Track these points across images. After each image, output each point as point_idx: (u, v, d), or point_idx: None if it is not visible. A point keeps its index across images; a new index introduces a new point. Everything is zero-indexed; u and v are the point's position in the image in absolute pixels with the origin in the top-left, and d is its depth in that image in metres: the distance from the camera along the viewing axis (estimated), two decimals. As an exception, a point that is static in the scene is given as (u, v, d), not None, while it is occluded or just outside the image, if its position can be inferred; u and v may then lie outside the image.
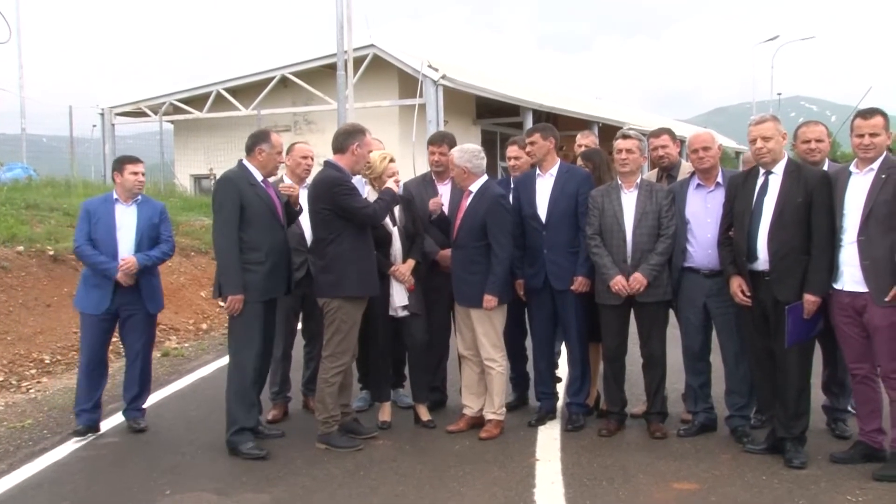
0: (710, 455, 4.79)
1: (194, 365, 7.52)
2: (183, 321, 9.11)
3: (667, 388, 5.31)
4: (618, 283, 4.98)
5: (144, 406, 5.62)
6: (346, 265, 4.90)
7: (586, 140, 6.38)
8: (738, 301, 4.74)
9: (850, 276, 4.41)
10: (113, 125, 22.76)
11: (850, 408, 5.12)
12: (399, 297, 5.33)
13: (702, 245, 4.98)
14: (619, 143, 5.14)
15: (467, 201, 5.24)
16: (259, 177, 5.04)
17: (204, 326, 9.19)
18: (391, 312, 5.34)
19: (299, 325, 5.89)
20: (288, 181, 5.65)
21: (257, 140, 5.09)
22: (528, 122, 20.40)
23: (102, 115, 22.74)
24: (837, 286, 4.48)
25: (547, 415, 5.49)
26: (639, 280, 4.97)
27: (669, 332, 5.24)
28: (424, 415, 5.48)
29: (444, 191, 5.71)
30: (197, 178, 21.92)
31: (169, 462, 4.87)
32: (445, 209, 5.54)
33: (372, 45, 18.71)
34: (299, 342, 5.91)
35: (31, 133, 23.16)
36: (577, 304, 5.30)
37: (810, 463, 4.56)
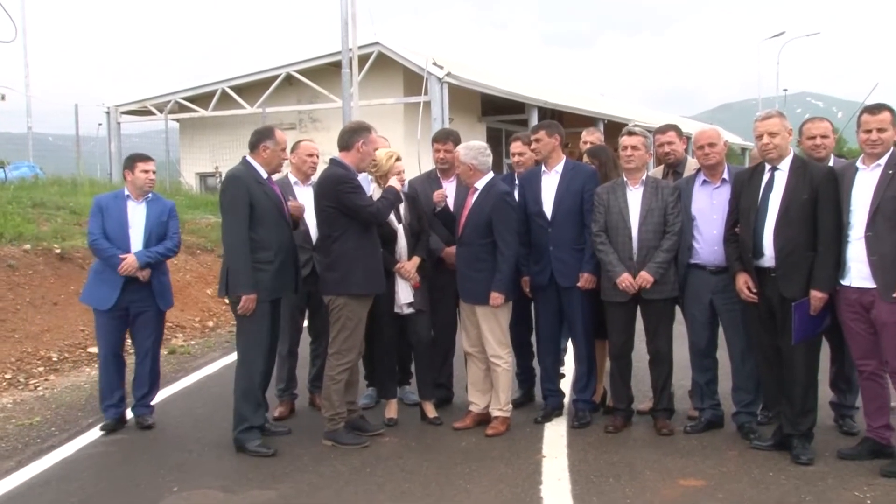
0: (717, 452, 4.78)
1: (201, 362, 7.54)
2: (189, 319, 9.13)
3: (673, 385, 5.31)
4: (625, 280, 4.98)
5: (153, 403, 5.65)
6: (351, 263, 4.91)
7: (591, 137, 6.37)
8: (744, 298, 4.73)
9: (858, 273, 4.39)
10: (119, 124, 22.84)
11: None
12: (404, 294, 5.33)
13: (708, 242, 4.97)
14: (625, 140, 5.12)
15: (473, 198, 5.24)
16: (264, 174, 5.02)
17: (210, 324, 9.22)
18: (396, 310, 5.35)
19: (305, 323, 5.90)
20: (292, 178, 5.66)
21: (262, 137, 5.06)
22: (534, 119, 20.40)
23: (108, 113, 22.82)
24: (845, 282, 4.46)
25: (553, 411, 5.49)
26: (645, 279, 4.97)
27: (676, 328, 5.24)
28: (431, 412, 5.48)
29: (450, 188, 5.71)
30: (202, 177, 21.96)
31: (176, 459, 4.88)
32: (451, 206, 5.54)
33: (377, 43, 18.71)
34: (305, 339, 5.91)
35: (37, 132, 23.25)
36: (583, 300, 5.29)
37: (817, 459, 4.56)
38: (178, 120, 22.84)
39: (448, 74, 18.18)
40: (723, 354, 5.16)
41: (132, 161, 5.53)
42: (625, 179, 5.15)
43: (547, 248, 5.29)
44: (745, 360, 4.99)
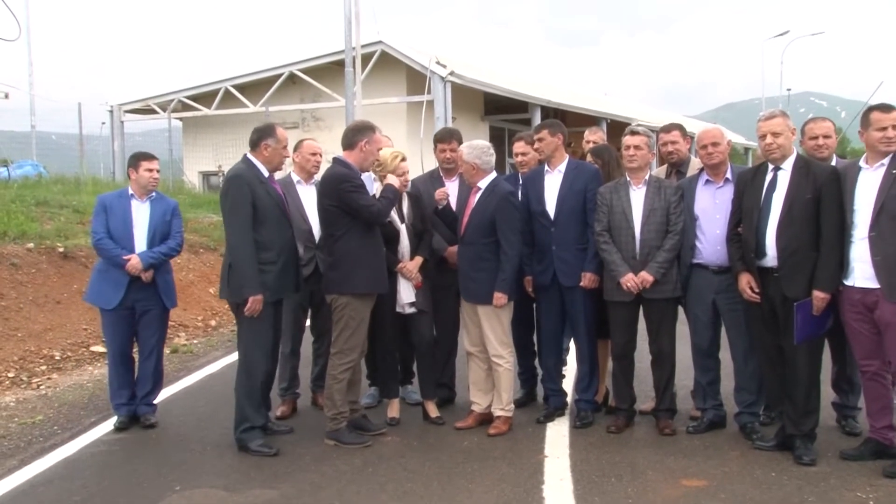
0: (719, 452, 4.78)
1: (203, 361, 7.55)
2: (192, 318, 9.14)
3: (675, 385, 5.31)
4: (629, 280, 4.97)
5: (156, 402, 5.66)
6: (354, 262, 4.90)
7: (594, 136, 6.37)
8: (746, 297, 4.72)
9: (861, 273, 4.38)
10: (122, 122, 22.85)
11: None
12: (406, 294, 5.33)
13: (711, 241, 4.96)
14: (628, 140, 5.12)
15: (475, 198, 5.23)
16: (266, 173, 4.98)
17: (213, 323, 9.23)
18: (398, 309, 5.35)
19: (308, 322, 5.90)
20: (295, 177, 5.67)
21: (263, 135, 5.01)
22: (537, 119, 20.37)
23: (111, 112, 22.83)
24: (848, 282, 4.45)
25: (555, 411, 5.49)
26: (645, 279, 4.96)
27: (678, 328, 5.23)
28: (433, 411, 5.48)
29: (452, 187, 5.70)
30: (205, 175, 21.99)
31: (178, 458, 4.88)
32: (453, 205, 5.54)
33: (380, 42, 18.70)
34: (308, 338, 5.91)
35: (41, 130, 23.29)
36: (586, 300, 5.29)
37: (820, 460, 4.55)
38: (181, 119, 22.86)
39: (451, 73, 18.17)
40: (725, 355, 5.15)
41: (136, 160, 5.53)
42: (628, 179, 5.15)
43: (550, 248, 5.29)
44: (748, 360, 4.98)
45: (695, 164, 5.46)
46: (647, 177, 5.12)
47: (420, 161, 13.33)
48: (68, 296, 8.12)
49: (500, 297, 5.06)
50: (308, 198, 5.56)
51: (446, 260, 5.59)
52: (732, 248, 4.79)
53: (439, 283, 5.53)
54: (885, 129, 4.33)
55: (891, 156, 4.34)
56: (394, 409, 5.51)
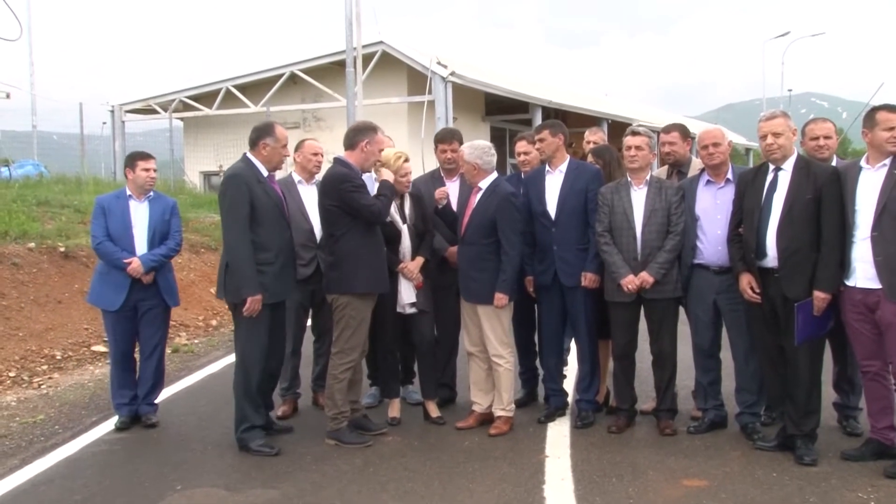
0: (720, 452, 4.78)
1: (204, 361, 7.55)
2: (193, 317, 9.14)
3: (677, 385, 5.30)
4: (630, 282, 4.98)
5: (157, 401, 5.66)
6: (354, 262, 4.90)
7: (594, 137, 6.37)
8: (747, 298, 4.72)
9: (863, 273, 4.38)
10: (123, 122, 22.86)
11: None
12: (407, 294, 5.33)
13: (711, 242, 4.96)
14: (629, 140, 5.12)
15: (476, 198, 5.23)
16: (265, 172, 4.96)
17: (213, 323, 9.23)
18: (399, 309, 5.35)
19: (309, 322, 5.90)
20: (297, 177, 5.67)
21: (261, 134, 4.98)
22: (537, 119, 20.37)
23: (112, 112, 22.84)
24: (850, 282, 4.45)
25: (556, 411, 5.49)
26: (645, 280, 4.96)
27: (679, 328, 5.23)
28: (434, 411, 5.48)
29: (453, 187, 5.71)
30: (207, 175, 21.99)
31: (179, 458, 4.89)
32: (454, 206, 5.54)
33: (381, 42, 18.70)
34: (309, 338, 5.92)
35: (42, 130, 23.30)
36: (587, 300, 5.29)
37: (821, 460, 4.55)
38: (182, 119, 22.87)
39: (452, 74, 18.18)
40: (726, 355, 5.15)
41: (133, 160, 5.52)
42: (629, 179, 5.15)
43: (551, 248, 5.29)
44: (749, 360, 4.98)
45: (696, 164, 5.46)
46: (648, 177, 5.13)
47: (421, 161, 13.33)
48: (69, 295, 8.13)
49: (500, 298, 5.06)
50: (309, 198, 5.55)
51: (447, 260, 5.59)
52: (733, 248, 4.79)
53: (440, 282, 5.53)
54: (892, 128, 4.32)
55: (892, 156, 4.34)
56: (395, 409, 5.51)
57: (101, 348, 7.46)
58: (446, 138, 5.83)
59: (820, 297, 4.46)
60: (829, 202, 4.45)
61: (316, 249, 5.46)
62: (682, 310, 5.23)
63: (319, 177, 5.51)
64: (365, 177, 5.09)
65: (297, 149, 5.71)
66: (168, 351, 7.11)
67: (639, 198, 5.08)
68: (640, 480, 4.38)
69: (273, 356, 5.11)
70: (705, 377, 5.16)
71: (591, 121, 21.84)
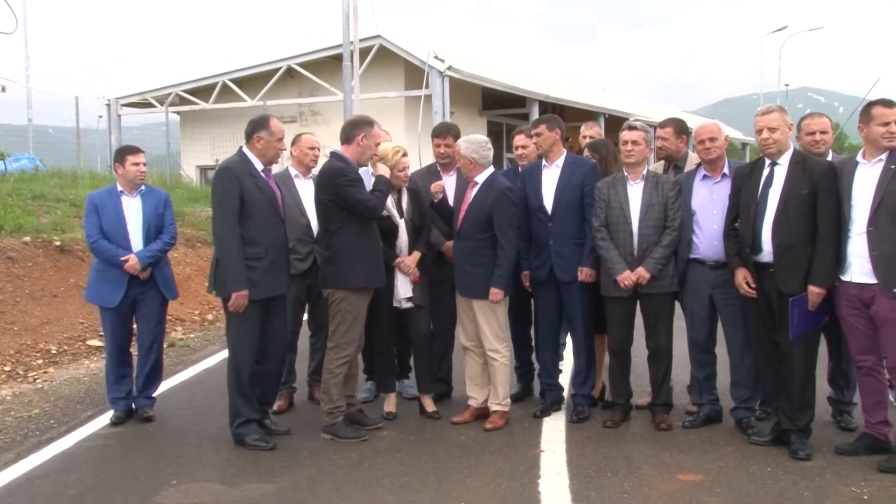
0: (715, 447, 4.79)
1: (200, 355, 7.55)
2: (188, 312, 9.14)
3: (672, 380, 5.31)
4: (626, 278, 4.98)
5: (154, 395, 5.65)
6: (350, 256, 4.90)
7: (591, 131, 6.36)
8: (742, 293, 4.72)
9: (859, 268, 4.38)
10: (119, 116, 22.82)
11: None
12: (403, 288, 5.33)
13: (708, 236, 4.96)
14: (625, 135, 5.11)
15: (472, 192, 5.23)
16: (260, 166, 4.92)
17: (209, 317, 9.22)
18: (395, 304, 5.34)
19: (305, 316, 5.89)
20: (293, 171, 5.66)
21: (256, 127, 4.94)
22: (534, 114, 20.35)
23: (108, 105, 22.81)
24: (845, 278, 4.46)
25: (552, 406, 5.50)
26: (641, 275, 4.97)
27: (675, 323, 5.23)
28: (429, 406, 5.49)
29: (449, 182, 5.70)
30: (203, 169, 21.95)
31: (175, 452, 4.88)
32: (451, 200, 5.53)
33: (378, 36, 18.67)
34: (305, 333, 5.91)
35: (38, 124, 23.25)
36: (583, 295, 5.29)
37: (815, 455, 4.56)
38: (178, 112, 22.81)
39: (449, 68, 18.15)
40: (721, 350, 5.16)
41: (122, 154, 5.49)
42: (625, 174, 5.14)
43: (547, 243, 5.29)
44: (744, 355, 4.99)
45: (692, 159, 5.46)
46: (644, 172, 5.12)
47: (418, 155, 13.32)
48: (65, 289, 8.12)
49: (496, 293, 5.06)
50: (306, 192, 5.53)
51: (444, 254, 5.58)
52: (729, 243, 4.79)
53: (436, 277, 5.52)
54: (888, 123, 4.33)
55: (888, 151, 4.34)
56: (390, 404, 5.51)
57: (97, 342, 7.45)
58: (441, 133, 5.83)
59: (815, 291, 4.46)
60: (825, 197, 4.46)
61: (312, 244, 5.45)
62: (677, 304, 5.24)
63: (316, 171, 5.50)
64: (361, 171, 5.08)
65: (293, 143, 5.69)
66: (164, 345, 7.11)
67: (635, 193, 5.08)
68: (636, 475, 4.39)
69: (272, 354, 5.08)
70: (700, 372, 5.16)
71: (589, 115, 21.85)
